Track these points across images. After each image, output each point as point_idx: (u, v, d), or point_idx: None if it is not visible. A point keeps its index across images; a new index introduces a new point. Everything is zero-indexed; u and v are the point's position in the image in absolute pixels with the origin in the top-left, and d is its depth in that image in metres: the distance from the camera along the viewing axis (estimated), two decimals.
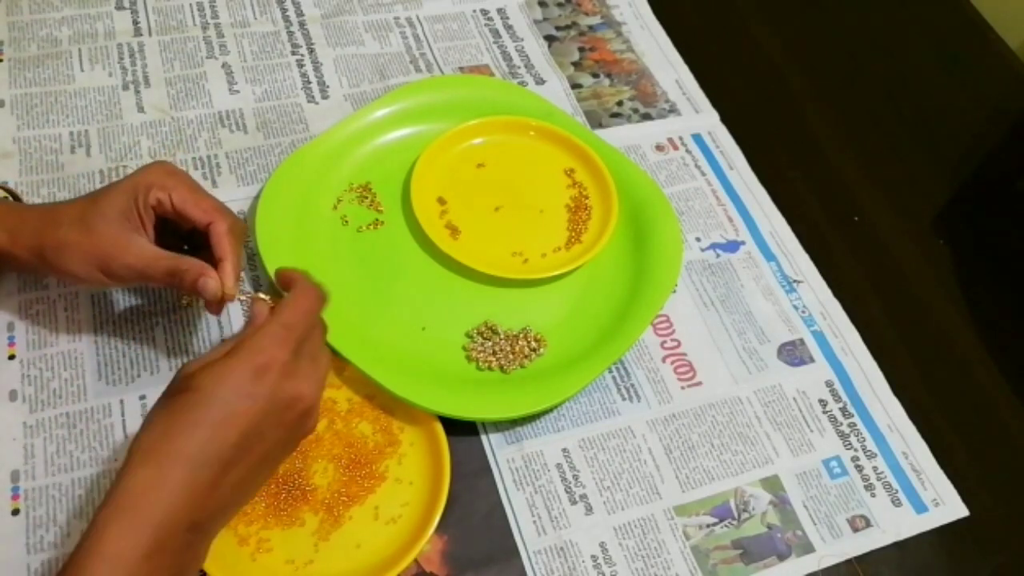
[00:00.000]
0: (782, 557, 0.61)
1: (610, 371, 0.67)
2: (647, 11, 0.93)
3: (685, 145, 0.82)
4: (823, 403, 0.68)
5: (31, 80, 0.76)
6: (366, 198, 0.72)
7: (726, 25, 0.94)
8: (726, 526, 0.61)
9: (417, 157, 0.73)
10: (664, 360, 0.68)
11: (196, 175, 0.72)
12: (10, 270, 0.63)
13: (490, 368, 0.64)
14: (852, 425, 0.67)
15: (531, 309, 0.68)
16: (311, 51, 0.83)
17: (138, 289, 0.66)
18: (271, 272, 0.62)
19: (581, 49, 0.88)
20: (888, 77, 0.92)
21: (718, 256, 0.75)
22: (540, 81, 0.84)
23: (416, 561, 0.57)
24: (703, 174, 0.80)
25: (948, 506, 0.64)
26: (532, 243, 0.71)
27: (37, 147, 0.72)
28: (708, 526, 0.61)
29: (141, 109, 0.76)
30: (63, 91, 0.76)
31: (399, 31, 0.86)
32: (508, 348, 0.65)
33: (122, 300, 0.65)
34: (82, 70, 0.77)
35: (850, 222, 0.80)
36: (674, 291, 0.71)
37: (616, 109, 0.84)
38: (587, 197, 0.74)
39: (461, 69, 0.84)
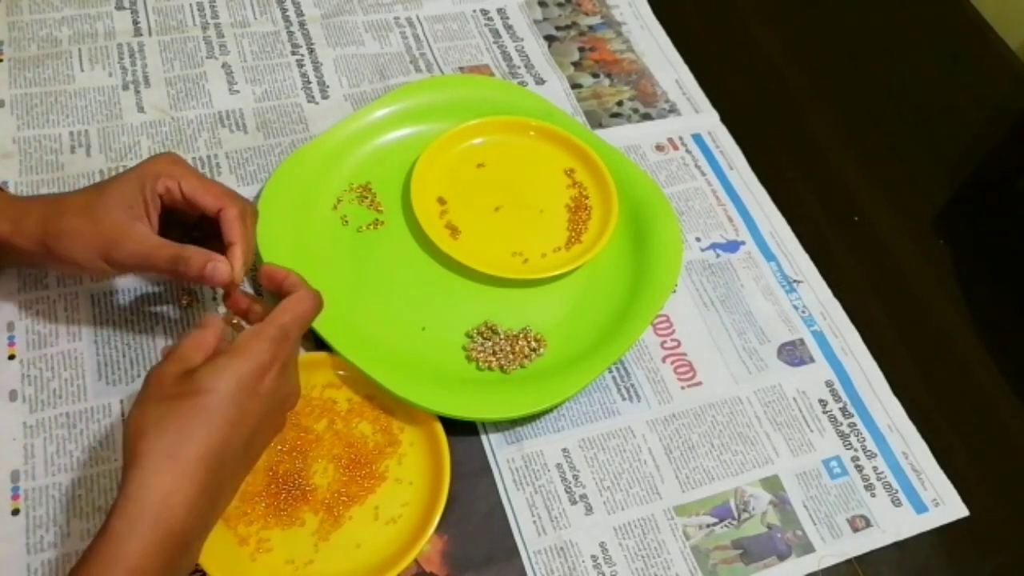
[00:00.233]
0: (782, 557, 0.61)
1: (610, 371, 0.67)
2: (647, 11, 0.93)
3: (685, 145, 0.82)
4: (823, 403, 0.68)
5: (31, 80, 0.76)
6: (366, 198, 0.72)
7: (726, 25, 0.94)
8: (726, 526, 0.61)
9: (417, 157, 0.73)
10: (664, 360, 0.68)
11: None
12: (11, 262, 0.62)
13: (490, 368, 0.64)
14: (852, 425, 0.67)
15: (531, 309, 0.68)
16: (311, 51, 0.83)
17: (138, 289, 0.66)
18: None
19: (581, 49, 0.88)
20: (888, 77, 0.92)
21: (718, 256, 0.75)
22: (540, 81, 0.84)
23: (416, 561, 0.57)
24: (703, 174, 0.80)
25: (948, 506, 0.64)
26: (532, 243, 0.71)
27: (37, 147, 0.72)
28: (708, 526, 0.61)
29: (141, 109, 0.76)
30: (63, 91, 0.76)
31: (399, 31, 0.86)
32: (508, 348, 0.65)
33: (122, 300, 0.65)
34: (82, 70, 0.77)
35: (850, 222, 0.80)
36: (674, 291, 0.71)
37: (616, 109, 0.83)
38: (587, 197, 0.74)
39: (461, 69, 0.84)
